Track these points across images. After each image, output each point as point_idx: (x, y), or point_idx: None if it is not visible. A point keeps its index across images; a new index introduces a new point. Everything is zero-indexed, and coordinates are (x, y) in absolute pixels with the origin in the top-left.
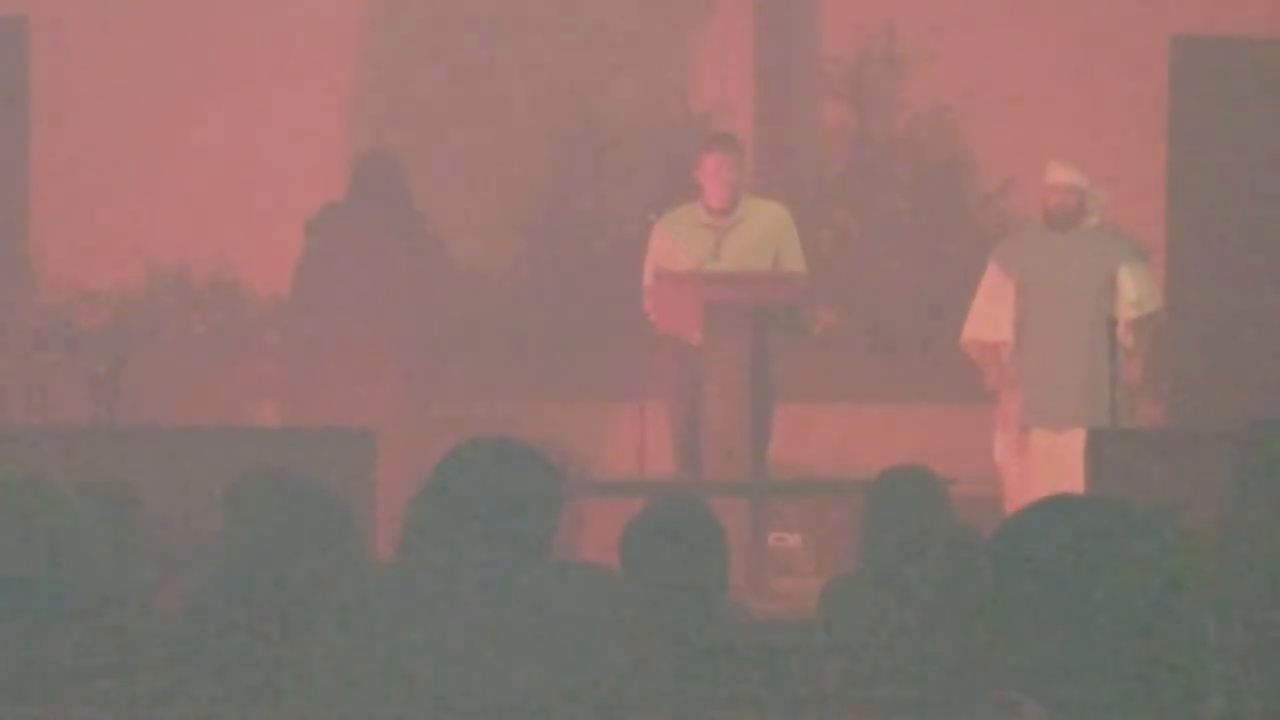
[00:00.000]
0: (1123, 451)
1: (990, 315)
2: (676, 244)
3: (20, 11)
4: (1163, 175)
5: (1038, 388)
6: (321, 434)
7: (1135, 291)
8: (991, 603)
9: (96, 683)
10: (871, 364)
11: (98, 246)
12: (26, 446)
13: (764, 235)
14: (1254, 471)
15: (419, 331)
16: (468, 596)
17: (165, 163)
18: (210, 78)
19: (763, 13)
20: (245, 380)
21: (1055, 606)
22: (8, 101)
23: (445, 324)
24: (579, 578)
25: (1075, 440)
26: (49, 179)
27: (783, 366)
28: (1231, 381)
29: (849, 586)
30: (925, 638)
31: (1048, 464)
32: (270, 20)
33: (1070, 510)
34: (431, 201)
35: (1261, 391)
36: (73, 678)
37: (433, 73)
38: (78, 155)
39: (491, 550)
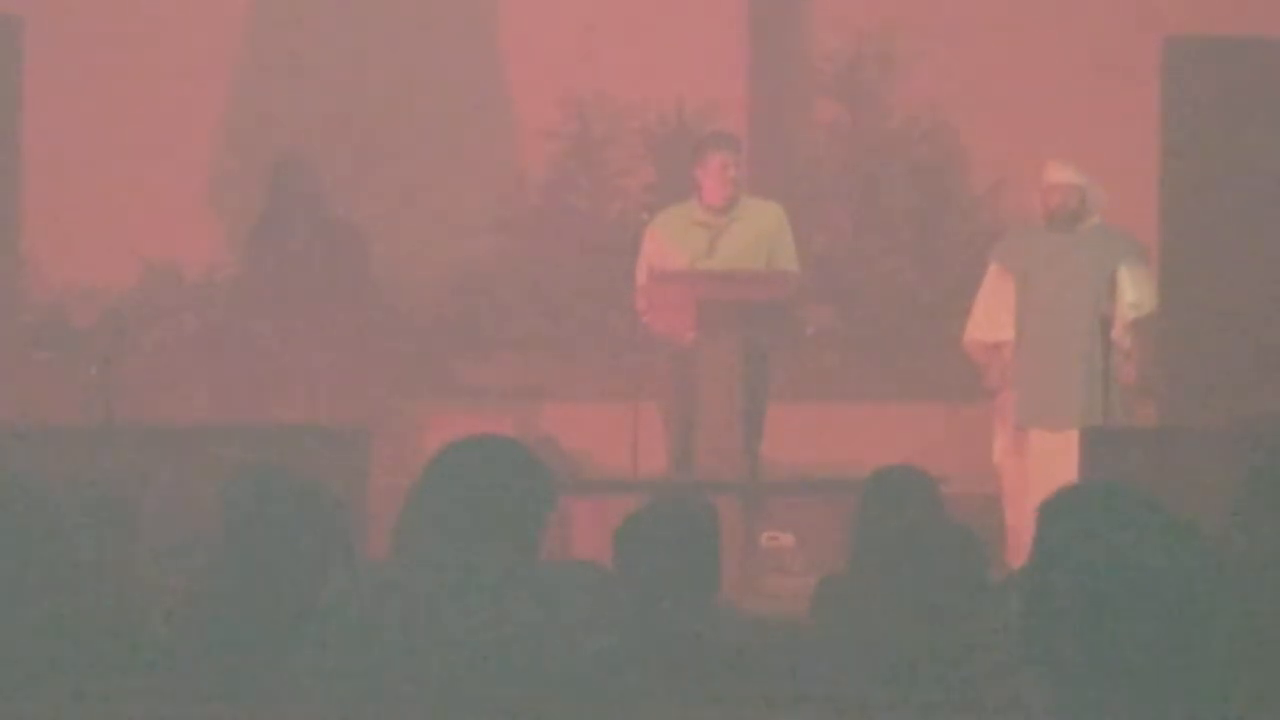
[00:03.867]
0: (1115, 450)
1: (990, 315)
2: (670, 242)
3: (14, 10)
4: (1155, 175)
5: (1035, 388)
6: (314, 431)
7: (1134, 292)
8: (1027, 588)
9: (92, 680)
10: (864, 363)
11: (91, 244)
12: (20, 445)
13: (758, 234)
14: (1259, 468)
15: (348, 331)
16: (459, 594)
17: (158, 161)
18: (202, 75)
19: (757, 11)
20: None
21: (1093, 596)
22: (1, 100)
23: (373, 321)
24: (570, 576)
25: (1072, 441)
26: (42, 177)
27: (775, 365)
28: (1224, 381)
29: (842, 586)
30: (917, 636)
31: (1045, 465)
32: (262, 17)
33: (1117, 500)
34: (422, 199)
35: (1254, 391)
36: (69, 675)
37: (424, 70)
38: (71, 153)
39: (482, 548)
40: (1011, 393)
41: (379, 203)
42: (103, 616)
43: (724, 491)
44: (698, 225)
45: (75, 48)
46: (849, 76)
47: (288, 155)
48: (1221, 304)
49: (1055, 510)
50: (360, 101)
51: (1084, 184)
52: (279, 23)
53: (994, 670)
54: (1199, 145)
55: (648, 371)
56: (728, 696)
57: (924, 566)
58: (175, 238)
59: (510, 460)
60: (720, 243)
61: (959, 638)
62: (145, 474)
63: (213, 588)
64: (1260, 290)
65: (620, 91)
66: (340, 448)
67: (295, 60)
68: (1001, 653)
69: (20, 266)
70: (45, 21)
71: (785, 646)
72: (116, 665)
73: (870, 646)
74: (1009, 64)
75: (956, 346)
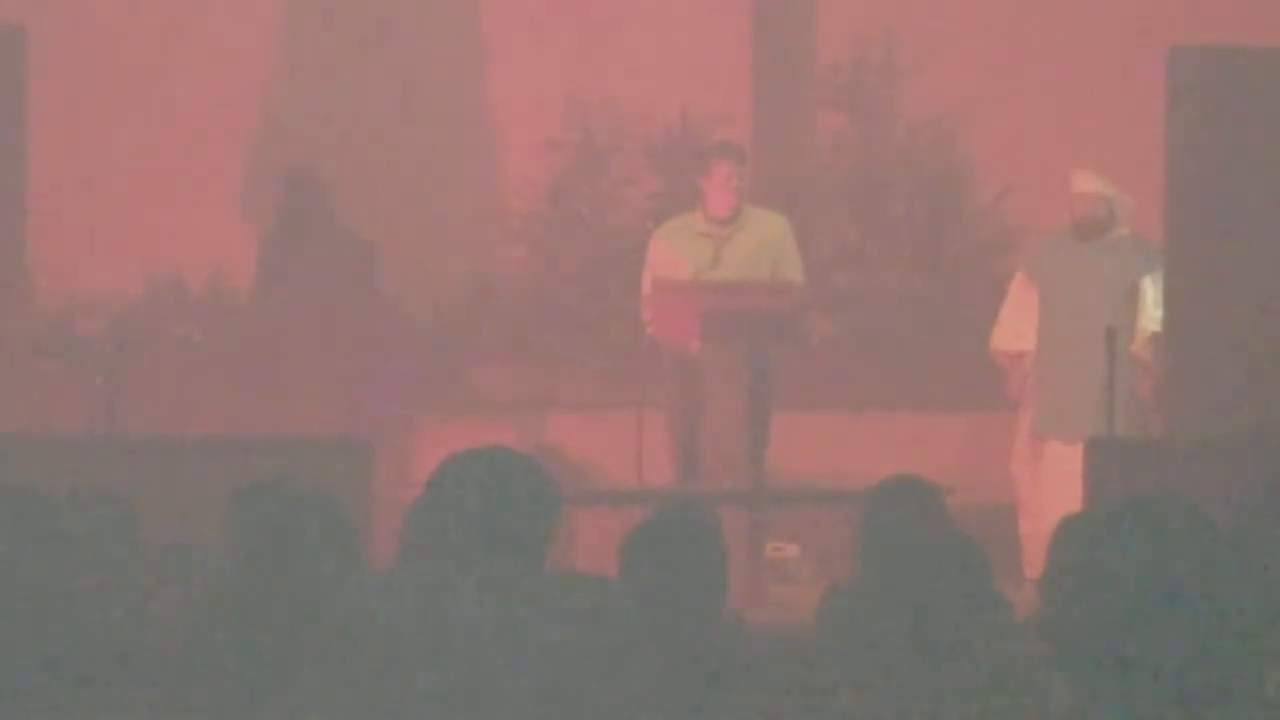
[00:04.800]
0: (1121, 461)
1: (1014, 324)
2: (675, 252)
3: (18, 21)
4: (1161, 185)
5: (1052, 399)
6: (319, 443)
7: (1156, 305)
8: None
9: (97, 691)
10: (869, 373)
11: (95, 254)
12: (23, 455)
13: (762, 244)
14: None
15: (355, 342)
16: (465, 605)
17: (163, 171)
18: (207, 86)
19: (761, 21)
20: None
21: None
22: (5, 110)
23: (381, 332)
24: (576, 587)
25: None
26: (47, 187)
27: (780, 375)
28: (1230, 392)
29: (847, 595)
30: (922, 645)
31: (1058, 476)
32: (269, 29)
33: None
34: (427, 209)
35: (1260, 402)
36: (72, 684)
37: (431, 80)
38: (75, 164)
39: (488, 559)
40: (1031, 402)
41: (384, 213)
42: (108, 627)
43: (729, 501)
44: (702, 235)
45: (79, 58)
46: (853, 87)
47: (296, 168)
48: (1227, 314)
49: (1095, 523)
50: (366, 113)
51: (1111, 194)
52: (283, 34)
53: (999, 680)
54: (1205, 155)
55: (652, 381)
56: (733, 706)
57: (929, 576)
58: (181, 248)
59: (515, 471)
60: (725, 253)
61: (964, 647)
62: (151, 485)
63: (218, 599)
64: (1267, 299)
65: (624, 101)
66: (344, 459)
67: (300, 72)
68: (1007, 662)
69: (25, 276)
70: (49, 32)
71: (790, 656)
72: (122, 676)
73: (875, 656)
74: (1013, 73)
75: (962, 356)
